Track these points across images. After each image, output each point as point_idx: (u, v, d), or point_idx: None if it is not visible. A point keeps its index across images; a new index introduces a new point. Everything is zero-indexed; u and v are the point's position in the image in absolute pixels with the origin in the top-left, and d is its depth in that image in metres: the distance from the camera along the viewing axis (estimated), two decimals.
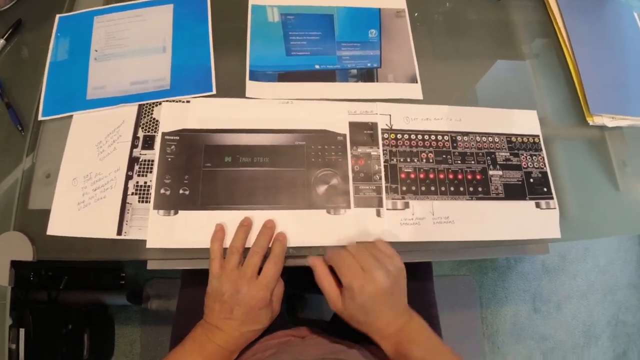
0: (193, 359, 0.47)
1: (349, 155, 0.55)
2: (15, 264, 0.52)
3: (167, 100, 0.56)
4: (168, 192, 0.52)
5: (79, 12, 0.63)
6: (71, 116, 0.56)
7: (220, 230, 0.50)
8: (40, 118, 0.57)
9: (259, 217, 0.52)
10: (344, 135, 0.56)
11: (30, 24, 0.65)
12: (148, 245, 0.50)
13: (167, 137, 0.54)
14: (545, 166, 0.58)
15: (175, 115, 0.56)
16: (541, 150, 0.59)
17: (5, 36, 0.62)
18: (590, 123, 0.62)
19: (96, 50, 0.60)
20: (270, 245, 0.50)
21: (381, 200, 0.54)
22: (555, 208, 0.56)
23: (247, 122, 0.56)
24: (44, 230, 0.51)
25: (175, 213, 0.51)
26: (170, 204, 0.52)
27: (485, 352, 1.27)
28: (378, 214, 0.53)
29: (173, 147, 0.54)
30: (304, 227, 0.52)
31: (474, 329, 1.29)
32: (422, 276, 0.70)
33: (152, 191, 0.52)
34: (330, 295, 0.47)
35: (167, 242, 0.51)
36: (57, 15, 0.63)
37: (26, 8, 0.66)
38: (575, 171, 0.60)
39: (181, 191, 0.52)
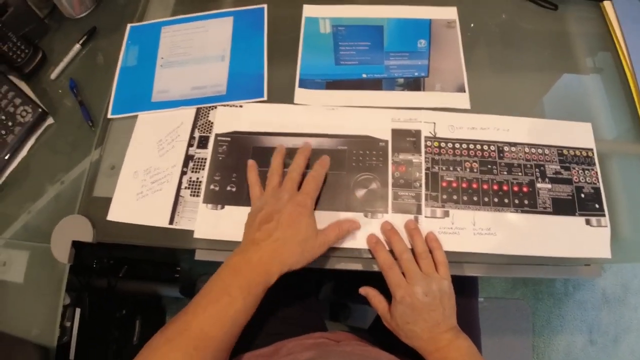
0: (227, 286, 0.43)
1: (390, 161, 0.56)
2: (81, 251, 0.57)
3: (222, 105, 0.60)
4: (217, 188, 0.56)
5: (148, 22, 0.70)
6: (136, 116, 0.62)
7: (253, 164, 0.55)
8: (109, 116, 0.63)
9: None
10: (386, 142, 0.57)
11: (104, 31, 0.72)
12: (195, 235, 0.54)
13: (219, 137, 0.58)
14: (598, 181, 0.56)
15: (228, 119, 0.59)
16: (594, 164, 0.56)
17: (81, 41, 0.70)
18: None
19: (162, 58, 0.66)
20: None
21: (420, 208, 0.54)
22: (606, 226, 0.53)
23: (293, 127, 0.58)
24: (105, 216, 0.57)
25: (222, 207, 0.55)
26: (218, 199, 0.55)
27: None
28: (416, 220, 0.53)
29: (224, 147, 0.58)
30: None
31: (525, 357, 1.23)
32: (464, 293, 0.68)
33: (203, 186, 0.56)
34: (382, 309, 0.50)
35: (213, 234, 0.54)
36: (129, 25, 0.70)
37: (101, 17, 0.74)
38: (631, 189, 0.57)
39: (229, 188, 0.56)
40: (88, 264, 0.85)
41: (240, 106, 0.60)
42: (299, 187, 0.50)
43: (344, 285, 0.62)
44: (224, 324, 0.42)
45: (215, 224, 0.54)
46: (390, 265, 0.48)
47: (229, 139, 0.58)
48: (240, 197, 0.55)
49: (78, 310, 0.75)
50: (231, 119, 0.59)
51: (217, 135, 0.59)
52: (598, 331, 1.25)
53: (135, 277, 0.94)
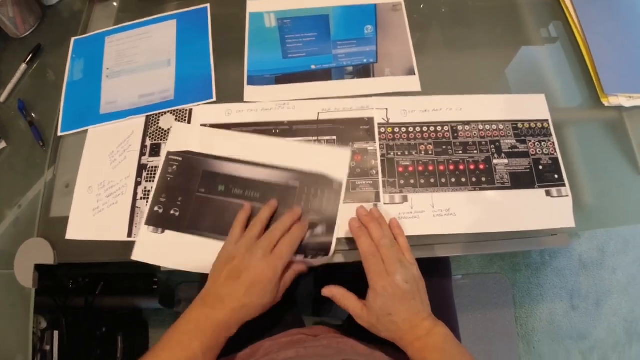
0: (189, 341, 0.43)
1: (341, 202, 0.53)
2: (53, 272, 0.57)
3: (171, 111, 0.59)
4: (160, 211, 0.54)
5: (92, 34, 0.68)
6: (86, 130, 0.61)
7: (249, 208, 0.53)
8: (59, 134, 0.62)
9: None
10: (340, 184, 0.54)
11: (50, 47, 0.70)
12: (133, 257, 0.53)
13: (171, 156, 0.56)
14: (555, 152, 0.56)
15: (182, 136, 0.57)
16: (551, 135, 0.57)
17: (27, 60, 0.68)
18: (606, 104, 0.59)
19: (108, 69, 0.64)
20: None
21: (378, 195, 0.54)
22: (567, 195, 0.54)
23: (249, 153, 0.56)
24: (64, 236, 0.55)
25: (162, 232, 0.53)
26: (160, 221, 0.54)
27: (520, 353, 1.22)
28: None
29: (175, 167, 0.56)
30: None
31: (508, 329, 1.24)
32: (437, 274, 0.69)
33: (148, 206, 0.54)
34: (354, 308, 0.48)
35: (151, 258, 0.53)
36: (73, 38, 0.68)
37: (46, 33, 0.72)
38: (591, 156, 0.57)
39: (172, 212, 0.54)
40: (64, 284, 0.84)
41: (190, 110, 0.59)
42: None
43: (323, 278, 0.62)
44: None
45: (154, 248, 0.53)
46: (374, 253, 0.47)
47: (180, 158, 0.56)
48: (182, 223, 0.53)
49: (56, 333, 0.74)
50: (185, 137, 0.57)
51: (169, 153, 0.57)
52: (579, 296, 1.27)
53: (113, 293, 0.93)
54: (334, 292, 0.50)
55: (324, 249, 0.51)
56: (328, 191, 0.54)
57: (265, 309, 0.48)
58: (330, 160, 0.55)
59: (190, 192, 0.54)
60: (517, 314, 1.25)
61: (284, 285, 0.49)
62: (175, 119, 0.59)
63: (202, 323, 0.44)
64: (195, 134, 0.57)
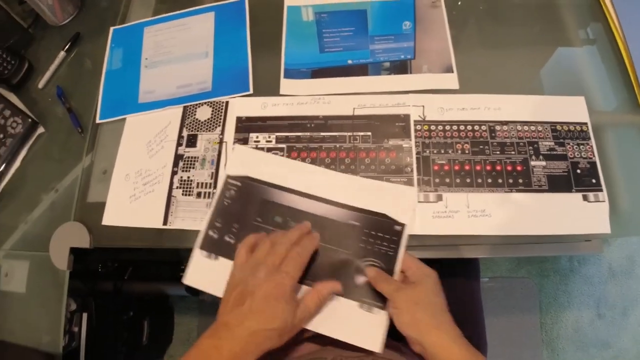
0: None
1: (402, 247, 0.49)
2: (84, 256, 0.58)
3: (207, 103, 0.60)
4: (215, 236, 0.52)
5: (131, 24, 0.69)
6: (124, 119, 0.62)
7: (257, 235, 0.49)
8: (97, 121, 0.63)
9: None
10: (403, 226, 0.50)
11: (88, 36, 0.72)
12: (185, 281, 0.51)
13: (229, 180, 0.54)
14: (594, 156, 0.54)
15: (243, 160, 0.55)
16: (589, 139, 0.55)
17: (65, 48, 0.70)
18: None
19: (146, 59, 0.65)
20: None
21: None
22: (604, 201, 0.52)
23: (311, 186, 0.53)
24: (100, 221, 0.57)
25: (216, 258, 0.51)
26: (215, 247, 0.52)
27: (543, 359, 1.20)
28: None
29: (232, 191, 0.54)
30: (329, 316, 0.47)
31: (533, 334, 1.22)
32: (466, 275, 0.68)
33: (203, 229, 0.52)
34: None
35: (203, 284, 0.51)
36: (111, 28, 0.70)
37: (84, 22, 0.73)
38: (629, 162, 0.55)
39: (227, 238, 0.52)
40: (93, 269, 0.86)
41: (257, 142, 0.57)
42: None
43: None
44: None
45: (207, 274, 0.51)
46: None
47: (239, 184, 0.54)
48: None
49: (85, 315, 0.76)
50: (246, 161, 0.55)
51: (228, 176, 0.54)
52: (606, 305, 1.24)
53: (141, 278, 0.95)
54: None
55: (381, 301, 0.47)
56: (390, 234, 0.50)
57: (284, 335, 0.42)
58: (395, 200, 0.52)
59: (246, 220, 0.52)
60: (543, 319, 1.23)
61: (305, 309, 0.44)
62: (212, 111, 0.60)
63: (209, 353, 0.41)
64: (256, 159, 0.56)
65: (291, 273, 0.44)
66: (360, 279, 0.49)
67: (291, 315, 0.42)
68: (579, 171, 0.54)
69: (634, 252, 1.29)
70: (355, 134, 0.56)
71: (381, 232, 0.50)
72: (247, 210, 0.53)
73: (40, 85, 0.69)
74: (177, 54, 0.64)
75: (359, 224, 0.51)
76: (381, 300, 0.47)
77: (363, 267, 0.49)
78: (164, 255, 1.06)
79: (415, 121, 0.56)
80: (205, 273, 0.51)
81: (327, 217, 0.51)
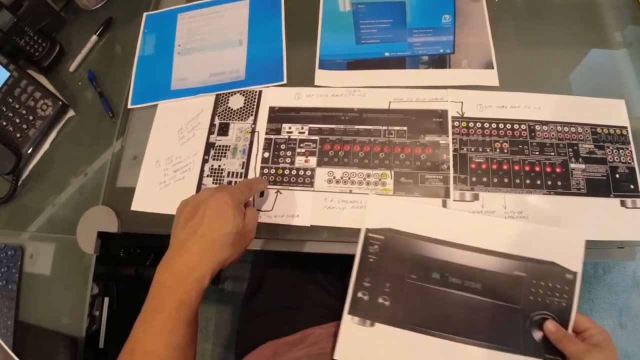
0: (160, 302, 0.39)
1: (576, 297, 0.47)
2: (108, 241, 0.58)
3: (240, 91, 0.59)
4: (366, 298, 0.48)
5: (164, 10, 0.69)
6: (156, 105, 0.62)
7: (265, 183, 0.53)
8: (129, 106, 0.63)
9: (458, 351, 0.46)
10: (575, 274, 0.47)
11: (120, 21, 0.72)
12: (336, 357, 0.47)
13: (370, 234, 0.50)
14: (633, 161, 0.52)
15: (381, 211, 0.51)
16: (629, 143, 0.53)
17: (98, 32, 0.70)
18: None
19: (179, 45, 0.65)
20: None
21: (448, 191, 0.52)
22: None
23: (462, 233, 0.49)
24: (129, 206, 0.57)
25: (372, 325, 0.47)
26: (368, 311, 0.47)
27: None
28: (444, 204, 0.51)
29: (376, 246, 0.49)
30: None
31: None
32: None
33: (350, 292, 0.48)
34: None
35: (359, 356, 0.46)
36: (144, 14, 0.69)
37: (116, 7, 0.73)
38: None
39: (380, 300, 0.48)
40: (115, 254, 0.86)
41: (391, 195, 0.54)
42: None
43: None
44: (165, 339, 0.39)
45: (363, 344, 0.46)
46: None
47: (382, 237, 0.50)
48: (397, 315, 0.47)
49: (107, 300, 0.76)
50: (385, 211, 0.51)
51: (367, 230, 0.50)
52: (628, 314, 1.21)
53: None
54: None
55: (558, 351, 0.45)
56: (561, 283, 0.47)
57: (236, 243, 0.42)
58: (561, 246, 0.48)
59: (399, 278, 0.48)
60: None
61: (251, 215, 0.45)
62: (244, 100, 0.59)
63: (165, 280, 0.40)
64: (397, 207, 0.51)
65: (241, 189, 0.45)
66: (538, 334, 0.46)
67: (241, 221, 0.43)
68: (617, 176, 0.52)
69: None
70: (390, 128, 0.55)
71: (551, 282, 0.47)
72: (399, 267, 0.48)
73: (72, 68, 0.69)
74: (210, 41, 0.64)
75: (525, 275, 0.47)
76: (560, 355, 0.45)
77: (538, 321, 0.46)
78: None
79: (453, 117, 0.55)
80: (361, 343, 0.46)
81: (488, 269, 0.48)
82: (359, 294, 0.48)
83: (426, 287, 0.48)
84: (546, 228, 0.49)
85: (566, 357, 0.44)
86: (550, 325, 0.45)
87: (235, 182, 0.55)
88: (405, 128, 0.55)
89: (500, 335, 0.46)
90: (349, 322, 0.47)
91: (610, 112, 0.55)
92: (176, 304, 0.39)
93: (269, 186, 0.54)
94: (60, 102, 0.65)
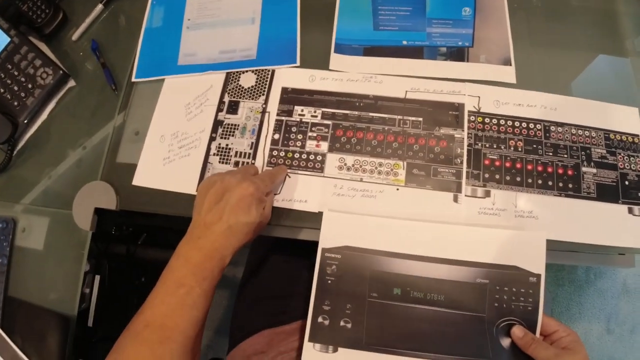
0: (182, 276, 0.41)
1: (541, 299, 0.46)
2: (101, 218, 0.56)
3: (252, 70, 0.57)
4: (327, 322, 0.46)
5: None
6: (163, 80, 0.59)
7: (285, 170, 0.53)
8: (133, 79, 0.60)
9: None
10: (538, 277, 0.46)
11: None
12: None
13: (327, 254, 0.48)
14: None
15: (337, 228, 0.49)
16: None
17: (104, 1, 0.67)
18: None
19: (189, 19, 0.63)
20: None
21: (460, 186, 0.51)
22: None
23: (423, 246, 0.48)
24: (129, 183, 0.55)
25: (335, 350, 0.45)
26: (330, 337, 0.46)
27: None
28: (455, 199, 0.50)
29: (334, 267, 0.48)
30: None
31: None
32: None
33: (309, 318, 0.46)
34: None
35: None
36: None
37: None
38: None
39: (342, 323, 0.46)
40: (107, 231, 0.84)
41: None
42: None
43: None
44: (184, 313, 0.40)
45: None
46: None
47: (338, 256, 0.48)
48: (359, 338, 0.45)
49: (97, 278, 0.74)
50: (341, 228, 0.49)
51: (324, 250, 0.48)
52: (616, 321, 1.24)
53: (155, 245, 0.93)
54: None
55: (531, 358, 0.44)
56: (524, 287, 0.46)
57: (256, 230, 0.46)
58: (522, 249, 0.47)
59: (360, 298, 0.46)
60: None
61: (269, 206, 0.49)
62: (256, 79, 0.57)
63: (190, 254, 0.43)
64: (353, 223, 0.49)
65: (265, 181, 0.47)
66: (506, 342, 0.45)
67: (261, 213, 0.45)
68: (627, 183, 0.52)
69: None
70: (405, 117, 0.54)
71: (515, 286, 0.46)
72: (358, 286, 0.47)
73: (75, 37, 0.66)
74: (221, 17, 0.62)
75: (488, 282, 0.47)
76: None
77: (505, 327, 0.45)
78: (179, 224, 1.05)
79: (469, 112, 0.54)
80: None
81: (450, 279, 0.47)
82: (319, 319, 0.46)
83: (388, 305, 0.46)
84: (506, 232, 0.48)
85: None
86: (518, 331, 0.45)
87: (244, 162, 0.53)
88: (420, 119, 0.54)
89: (468, 346, 0.45)
90: (310, 350, 0.45)
91: (623, 119, 0.55)
92: (200, 279, 0.41)
93: None
94: (61, 72, 0.62)
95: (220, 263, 0.42)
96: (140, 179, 0.54)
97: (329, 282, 0.47)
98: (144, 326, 0.40)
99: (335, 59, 0.57)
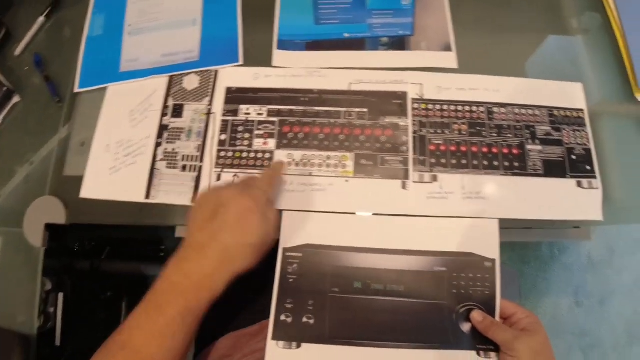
0: (165, 303, 0.38)
1: (498, 283, 0.48)
2: (61, 233, 0.55)
3: (195, 72, 0.57)
4: (289, 320, 0.46)
5: None
6: (105, 88, 0.58)
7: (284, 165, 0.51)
8: (76, 90, 0.59)
9: (390, 356, 0.45)
10: (493, 261, 0.48)
11: (68, 1, 0.67)
12: None
13: (288, 253, 0.49)
14: (589, 143, 0.54)
15: (297, 227, 0.49)
16: (585, 125, 0.55)
17: (45, 14, 0.65)
18: (639, 99, 0.57)
19: (130, 25, 0.62)
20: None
21: (407, 173, 0.52)
22: (598, 188, 0.52)
23: (381, 239, 0.49)
24: (77, 196, 0.53)
25: (298, 346, 0.46)
26: (292, 334, 0.46)
27: None
28: (404, 186, 0.51)
29: (295, 265, 0.48)
30: None
31: None
32: None
33: (272, 317, 0.47)
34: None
35: None
36: None
37: None
38: (623, 150, 0.55)
39: (305, 319, 0.47)
40: (69, 247, 0.82)
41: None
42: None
43: None
44: (162, 343, 0.37)
45: None
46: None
47: (299, 254, 0.48)
48: (322, 333, 0.46)
49: (61, 295, 0.72)
50: (301, 227, 0.50)
51: (285, 249, 0.49)
52: (584, 293, 1.27)
53: (119, 258, 0.92)
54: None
55: (490, 341, 0.45)
56: (481, 272, 0.48)
57: (256, 254, 0.41)
58: (476, 235, 0.49)
59: (322, 294, 0.47)
60: (522, 305, 1.24)
61: (273, 216, 0.44)
62: (200, 80, 0.57)
63: (178, 281, 0.38)
64: (312, 221, 0.50)
65: (264, 188, 0.43)
66: (466, 326, 0.46)
67: (265, 231, 0.40)
68: (574, 157, 0.53)
69: (613, 243, 1.32)
70: (350, 109, 0.54)
71: (471, 272, 0.48)
72: (319, 283, 0.47)
73: (17, 52, 0.65)
74: (162, 21, 0.61)
75: (445, 269, 0.48)
76: (491, 343, 0.45)
77: (464, 312, 0.46)
78: (143, 234, 1.03)
79: (413, 99, 0.55)
80: None
81: (409, 269, 0.48)
82: (282, 317, 0.46)
83: (349, 298, 0.47)
84: (460, 220, 0.50)
85: (498, 346, 0.45)
86: (477, 315, 0.46)
87: (192, 166, 0.53)
88: (365, 110, 0.54)
89: (430, 333, 0.46)
90: (274, 348, 0.45)
91: (567, 95, 0.56)
92: (183, 309, 0.37)
93: (226, 170, 0.53)
94: (5, 88, 0.60)
95: (209, 294, 0.38)
96: (87, 191, 0.53)
97: (291, 280, 0.48)
98: (120, 348, 0.37)
99: (278, 56, 0.57)
